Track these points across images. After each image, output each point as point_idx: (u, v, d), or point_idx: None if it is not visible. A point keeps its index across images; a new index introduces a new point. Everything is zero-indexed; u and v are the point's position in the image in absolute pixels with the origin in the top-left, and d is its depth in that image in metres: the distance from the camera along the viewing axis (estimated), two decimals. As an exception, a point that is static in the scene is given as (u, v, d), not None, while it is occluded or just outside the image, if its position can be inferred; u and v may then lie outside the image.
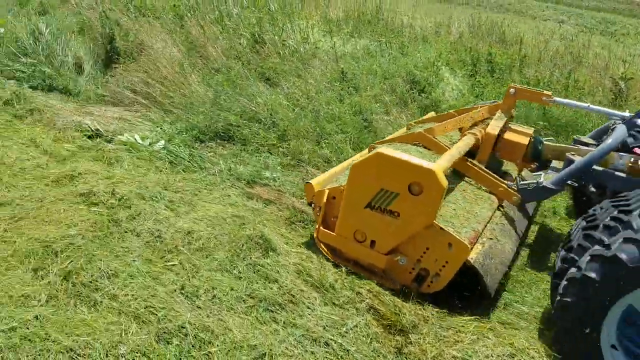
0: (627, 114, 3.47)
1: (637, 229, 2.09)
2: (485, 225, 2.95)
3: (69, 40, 6.22)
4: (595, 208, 2.52)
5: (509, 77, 6.08)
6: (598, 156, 2.89)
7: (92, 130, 4.42)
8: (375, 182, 2.73)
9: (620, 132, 3.01)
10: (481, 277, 2.66)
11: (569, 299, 2.24)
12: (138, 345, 2.06)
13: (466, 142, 3.33)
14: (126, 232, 2.95)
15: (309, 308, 2.46)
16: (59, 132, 4.32)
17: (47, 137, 4.17)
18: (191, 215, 3.30)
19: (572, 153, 3.16)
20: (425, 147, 3.30)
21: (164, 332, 2.15)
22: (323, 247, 3.09)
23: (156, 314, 2.25)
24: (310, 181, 3.18)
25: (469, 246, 2.65)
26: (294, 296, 2.51)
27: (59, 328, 2.11)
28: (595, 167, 2.91)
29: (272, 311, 2.41)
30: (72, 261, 2.59)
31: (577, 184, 2.99)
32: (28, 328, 2.08)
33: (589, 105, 3.69)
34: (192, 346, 2.11)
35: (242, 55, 6.05)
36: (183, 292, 2.45)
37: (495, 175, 3.26)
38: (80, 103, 5.36)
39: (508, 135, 3.56)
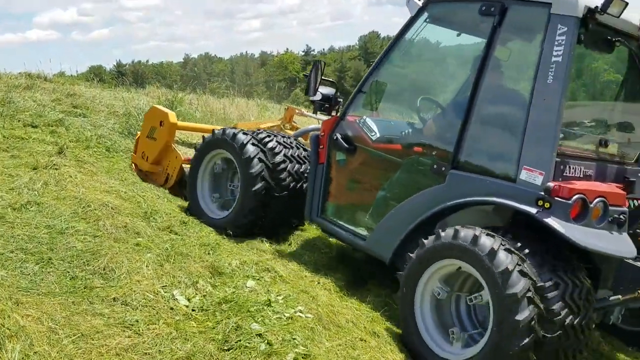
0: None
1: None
2: None
3: None
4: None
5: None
6: (295, 135, 7.28)
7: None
8: (150, 122, 7.38)
9: (305, 128, 7.77)
10: (184, 172, 7.08)
11: None
12: None
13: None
14: None
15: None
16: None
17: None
18: None
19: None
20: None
21: None
22: (133, 165, 7.63)
23: None
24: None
25: (182, 158, 7.13)
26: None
27: None
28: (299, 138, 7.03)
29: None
30: None
31: None
32: None
33: (317, 115, 7.34)
34: None
35: None
36: None
37: None
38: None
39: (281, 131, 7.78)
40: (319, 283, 5.38)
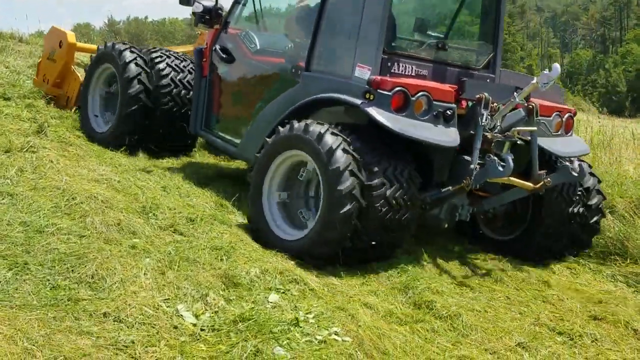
0: None
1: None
2: None
3: None
4: None
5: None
6: None
7: None
8: (50, 44, 9.64)
9: None
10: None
11: None
12: None
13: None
14: None
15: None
16: None
17: None
18: None
19: None
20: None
21: None
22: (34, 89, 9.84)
23: None
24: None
25: (80, 80, 9.05)
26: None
27: None
28: None
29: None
30: None
31: None
32: None
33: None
34: None
35: None
36: None
37: None
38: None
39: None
40: (360, 298, 5.37)
